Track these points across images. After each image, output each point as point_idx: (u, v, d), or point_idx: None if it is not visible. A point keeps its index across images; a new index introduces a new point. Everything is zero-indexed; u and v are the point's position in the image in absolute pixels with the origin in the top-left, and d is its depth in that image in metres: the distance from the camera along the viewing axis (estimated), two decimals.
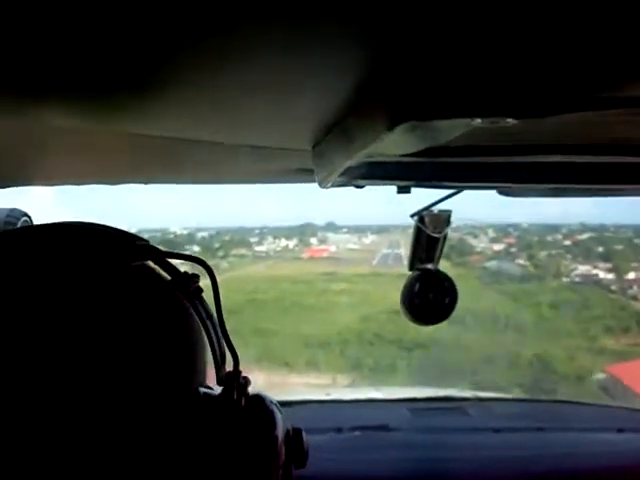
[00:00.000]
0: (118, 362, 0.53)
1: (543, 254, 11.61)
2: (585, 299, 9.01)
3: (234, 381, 0.59)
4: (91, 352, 0.52)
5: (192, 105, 0.71)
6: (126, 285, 0.58)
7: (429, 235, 1.53)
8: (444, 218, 1.53)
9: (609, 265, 9.60)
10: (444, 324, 1.62)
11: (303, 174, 1.14)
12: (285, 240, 12.80)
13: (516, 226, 12.14)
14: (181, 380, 0.58)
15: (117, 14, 0.42)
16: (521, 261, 11.80)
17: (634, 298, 8.83)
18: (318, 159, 0.85)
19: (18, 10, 0.40)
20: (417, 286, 1.57)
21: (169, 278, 0.61)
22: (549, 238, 11.80)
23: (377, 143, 0.61)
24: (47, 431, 0.50)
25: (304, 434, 0.62)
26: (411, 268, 1.60)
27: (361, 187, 1.15)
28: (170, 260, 0.62)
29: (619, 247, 10.33)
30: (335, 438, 1.86)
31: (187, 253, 0.66)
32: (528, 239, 12.24)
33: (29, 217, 1.26)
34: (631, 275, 9.22)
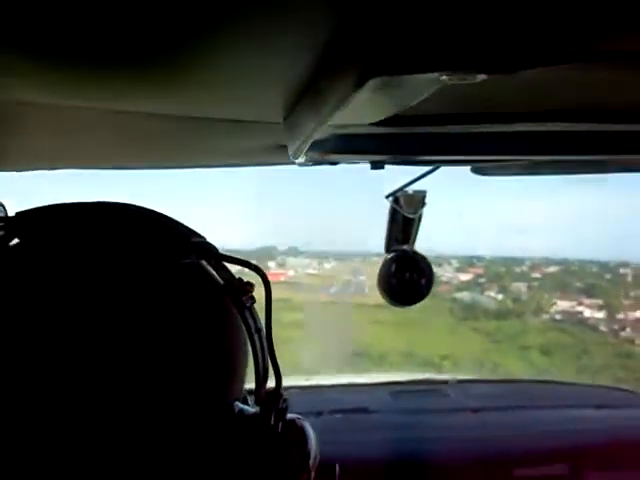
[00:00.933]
0: (153, 365, 0.50)
1: (517, 286, 11.07)
2: (579, 342, 7.98)
3: (273, 402, 0.55)
4: (125, 353, 0.49)
5: (161, 75, 0.70)
6: (173, 284, 0.54)
7: (404, 216, 1.53)
8: (419, 198, 1.53)
9: (596, 301, 8.80)
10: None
11: (277, 152, 1.14)
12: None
13: (479, 258, 12.08)
14: (216, 392, 0.54)
15: None
16: (492, 293, 11.58)
17: (631, 342, 7.71)
18: (290, 131, 0.85)
19: None
20: (393, 267, 1.57)
21: (221, 282, 0.57)
22: (517, 270, 11.71)
23: (346, 106, 0.60)
24: (70, 434, 0.47)
25: (337, 468, 0.60)
26: (388, 250, 1.60)
27: (335, 164, 1.14)
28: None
29: (600, 282, 9.63)
30: (315, 421, 1.85)
31: (245, 259, 0.60)
32: (495, 270, 12.10)
33: (2, 206, 1.24)
34: (622, 314, 8.26)
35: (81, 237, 0.53)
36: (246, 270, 0.59)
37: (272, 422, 0.54)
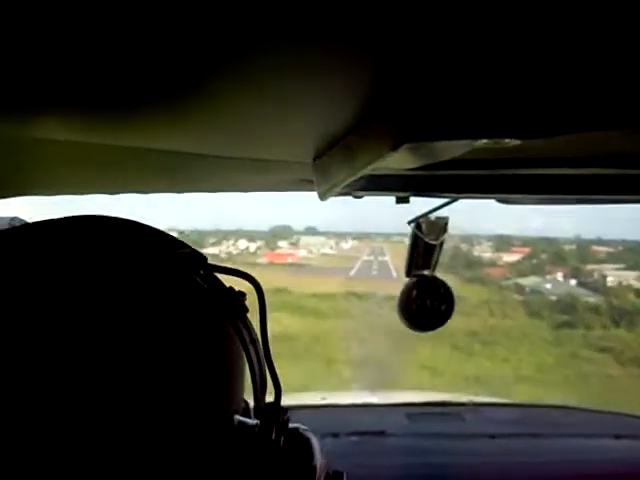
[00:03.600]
0: (147, 380, 0.48)
1: (593, 270, 9.87)
2: None
3: (274, 415, 0.53)
4: (117, 369, 0.47)
5: (193, 120, 0.71)
6: (162, 297, 0.52)
7: (426, 242, 1.54)
8: (441, 225, 1.54)
9: None
10: None
11: (303, 185, 1.15)
12: (247, 242, 12.03)
13: (508, 237, 11.26)
14: (214, 406, 0.53)
15: (117, 29, 0.41)
16: (559, 278, 10.69)
17: None
18: (319, 172, 0.86)
19: (21, 21, 0.40)
20: (414, 292, 1.58)
21: (212, 293, 0.55)
22: (566, 249, 10.62)
23: (380, 161, 0.61)
24: (68, 447, 0.46)
25: (345, 477, 0.57)
26: (408, 274, 1.61)
27: (360, 197, 1.16)
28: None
29: None
30: (332, 443, 1.86)
31: (235, 267, 0.59)
32: (543, 250, 11.07)
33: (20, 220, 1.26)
34: None
35: (68, 251, 0.51)
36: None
37: (274, 435, 0.52)
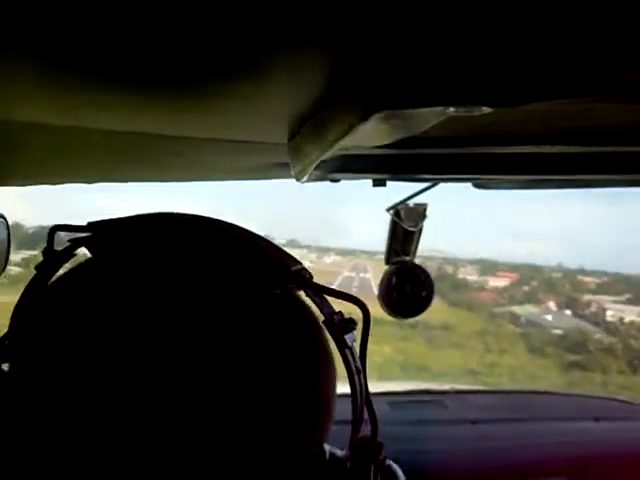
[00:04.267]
0: (244, 404, 0.45)
1: (590, 300, 9.29)
2: None
3: (370, 450, 0.51)
4: (213, 387, 0.45)
5: (166, 100, 0.71)
6: (268, 316, 0.49)
7: (405, 229, 1.54)
8: (420, 211, 1.54)
9: None
10: None
11: (279, 168, 1.14)
12: None
13: (491, 261, 10.99)
14: (308, 435, 0.50)
15: (94, 7, 0.41)
16: (552, 307, 9.91)
17: None
18: (294, 153, 0.86)
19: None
20: (394, 279, 1.58)
21: (321, 316, 0.52)
22: (554, 277, 10.39)
23: (351, 134, 0.61)
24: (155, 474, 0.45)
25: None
26: (387, 262, 1.61)
27: (337, 181, 1.15)
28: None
29: None
30: None
31: (346, 292, 0.54)
32: (530, 276, 10.96)
33: (4, 218, 1.25)
34: None
35: (172, 256, 0.49)
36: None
37: (372, 475, 0.50)
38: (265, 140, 0.92)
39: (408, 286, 1.58)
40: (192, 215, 0.54)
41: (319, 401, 0.51)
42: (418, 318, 1.60)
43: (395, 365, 7.96)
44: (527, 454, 1.82)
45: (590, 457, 1.82)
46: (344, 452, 0.52)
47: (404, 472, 1.73)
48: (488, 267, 10.97)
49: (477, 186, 1.30)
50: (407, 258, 1.60)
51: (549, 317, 9.89)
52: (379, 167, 1.00)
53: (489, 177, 1.11)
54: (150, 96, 0.68)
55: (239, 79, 0.61)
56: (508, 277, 10.93)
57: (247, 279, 0.49)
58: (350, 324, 0.52)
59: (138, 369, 0.44)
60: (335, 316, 0.52)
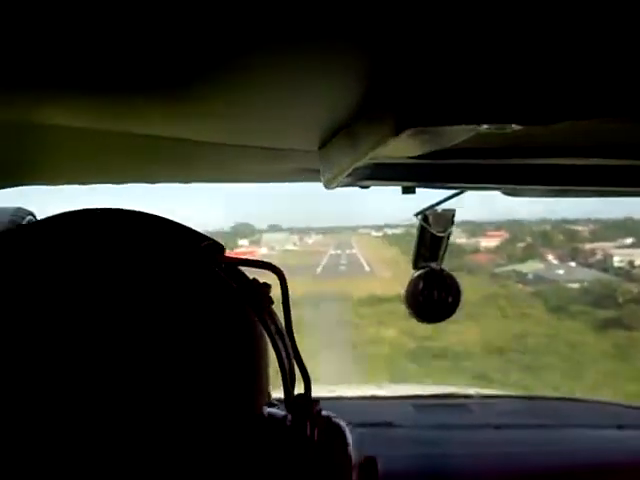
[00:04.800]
0: (172, 375, 0.47)
1: (595, 248, 8.30)
2: None
3: (306, 407, 0.53)
4: (142, 365, 0.46)
5: (198, 106, 0.71)
6: (185, 291, 0.51)
7: (433, 234, 1.55)
8: (448, 217, 1.55)
9: None
10: None
11: (309, 174, 1.16)
12: None
13: (475, 223, 10.43)
14: (243, 399, 0.52)
15: (123, 12, 0.42)
16: (554, 260, 9.15)
17: None
18: (324, 160, 0.87)
19: (21, 6, 0.40)
20: (421, 284, 1.59)
21: (235, 286, 0.54)
22: (549, 230, 9.73)
23: (383, 147, 0.62)
24: (90, 444, 0.45)
25: (378, 462, 0.57)
26: (415, 267, 1.62)
27: (366, 187, 1.17)
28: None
29: None
30: None
31: (258, 259, 0.58)
32: (523, 232, 10.03)
33: (34, 216, 1.27)
34: None
35: (86, 246, 0.50)
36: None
37: (308, 429, 0.52)
38: (296, 147, 0.94)
39: (435, 291, 1.59)
40: (117, 209, 0.55)
41: (248, 366, 0.53)
42: None
43: (406, 355, 7.22)
44: (549, 461, 1.82)
45: (613, 465, 1.81)
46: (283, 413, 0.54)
47: (427, 476, 1.73)
48: (475, 228, 10.45)
49: (506, 193, 1.30)
50: (434, 264, 1.60)
51: (560, 271, 9.13)
52: (409, 175, 1.01)
53: (519, 187, 1.12)
54: (183, 102, 0.69)
55: (273, 88, 0.62)
56: (498, 236, 10.42)
57: (164, 257, 0.51)
58: (264, 288, 0.55)
59: (68, 345, 0.46)
60: (250, 284, 0.55)
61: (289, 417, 0.53)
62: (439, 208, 1.52)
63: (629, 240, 9.15)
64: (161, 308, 0.49)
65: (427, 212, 1.53)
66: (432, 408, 2.16)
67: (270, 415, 0.53)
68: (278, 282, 0.57)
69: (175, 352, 0.48)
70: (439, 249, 1.58)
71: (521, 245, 9.83)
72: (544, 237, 9.72)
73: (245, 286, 0.55)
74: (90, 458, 0.45)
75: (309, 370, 0.57)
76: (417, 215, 1.55)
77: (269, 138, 0.90)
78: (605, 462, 1.82)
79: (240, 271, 0.56)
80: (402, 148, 0.69)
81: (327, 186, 0.96)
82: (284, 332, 0.56)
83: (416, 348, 7.52)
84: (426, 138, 0.61)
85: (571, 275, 8.64)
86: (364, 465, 0.56)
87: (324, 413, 0.54)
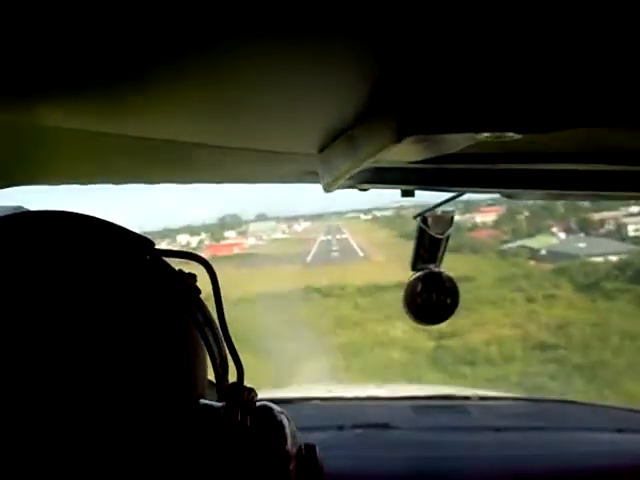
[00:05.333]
0: (103, 368, 0.48)
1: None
2: None
3: (238, 394, 0.54)
4: (72, 358, 0.47)
5: (197, 108, 0.71)
6: (115, 283, 0.52)
7: (432, 236, 1.55)
8: (447, 219, 1.55)
9: None
10: None
11: (308, 176, 1.15)
12: (189, 236, 11.36)
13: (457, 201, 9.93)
14: (177, 391, 0.53)
15: (119, 14, 0.41)
16: (562, 235, 8.23)
17: None
18: (324, 164, 0.86)
19: (18, 8, 0.40)
20: (419, 286, 1.59)
21: (160, 277, 0.55)
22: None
23: (383, 152, 0.62)
24: (39, 439, 0.46)
25: (318, 450, 0.56)
26: (414, 268, 1.62)
27: (365, 190, 1.16)
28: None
29: None
30: (337, 436, 1.87)
31: (184, 250, 0.60)
32: (520, 206, 8.96)
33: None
34: None
35: (12, 245, 0.51)
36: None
37: (239, 416, 0.52)
38: (296, 150, 0.93)
39: (434, 293, 1.59)
40: (45, 210, 0.56)
41: (179, 356, 0.54)
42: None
43: (427, 361, 6.03)
44: (549, 464, 1.81)
45: (612, 468, 1.81)
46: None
47: (424, 478, 1.73)
48: (466, 206, 9.87)
49: (504, 195, 1.30)
50: (432, 266, 1.60)
51: (581, 244, 7.91)
52: (408, 179, 1.01)
53: (517, 191, 1.12)
54: (182, 104, 0.69)
55: (274, 91, 0.62)
56: (494, 211, 9.86)
57: (89, 252, 0.52)
58: (189, 278, 0.56)
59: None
60: (175, 274, 0.56)
61: (224, 406, 0.54)
62: (438, 210, 1.52)
63: (636, 209, 8.41)
64: (84, 302, 0.49)
65: (426, 214, 1.53)
66: (430, 409, 2.16)
67: (205, 405, 0.54)
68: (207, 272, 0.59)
69: (105, 344, 0.48)
70: (438, 251, 1.58)
71: (521, 218, 9.17)
72: (545, 209, 8.94)
73: (170, 276, 0.56)
74: (25, 449, 0.46)
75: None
76: (416, 217, 1.55)
77: (269, 140, 0.89)
78: (604, 465, 1.82)
79: (167, 263, 0.57)
80: (402, 154, 0.68)
81: (326, 189, 0.95)
82: (214, 321, 0.57)
83: (436, 349, 6.36)
84: (426, 145, 0.61)
85: (594, 248, 7.56)
86: (303, 454, 0.55)
87: (260, 403, 0.55)
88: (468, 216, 10.12)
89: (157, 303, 0.54)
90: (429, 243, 1.57)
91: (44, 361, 0.46)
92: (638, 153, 0.81)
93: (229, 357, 0.58)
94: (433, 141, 0.58)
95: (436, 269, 1.61)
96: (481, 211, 10.03)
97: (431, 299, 1.59)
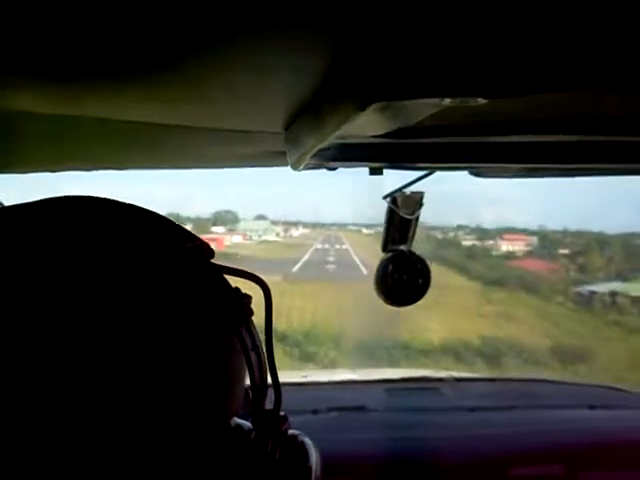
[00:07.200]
0: (141, 381, 0.46)
1: None
2: None
3: (272, 422, 0.53)
4: (112, 370, 0.45)
5: (164, 90, 0.71)
6: (163, 297, 0.49)
7: (402, 217, 1.54)
8: (416, 199, 1.54)
9: None
10: None
11: (276, 157, 1.15)
12: None
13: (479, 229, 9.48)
14: (210, 409, 0.50)
15: (91, 3, 0.41)
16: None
17: None
18: (290, 141, 0.86)
19: None
20: (390, 267, 1.59)
21: (216, 294, 0.53)
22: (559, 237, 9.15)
23: (349, 124, 0.61)
24: (66, 451, 0.44)
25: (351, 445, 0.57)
26: (384, 250, 1.62)
27: (333, 169, 1.15)
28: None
29: None
30: (311, 419, 1.87)
31: (243, 268, 0.55)
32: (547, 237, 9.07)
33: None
34: None
35: (67, 238, 0.48)
36: None
37: (269, 446, 0.51)
38: (262, 129, 0.93)
39: (405, 274, 1.59)
40: (94, 197, 0.52)
41: (220, 376, 0.52)
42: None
43: None
44: (523, 442, 1.83)
45: (585, 445, 1.83)
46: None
47: (400, 459, 1.74)
48: (487, 235, 9.50)
49: (474, 174, 1.30)
50: (403, 247, 1.60)
51: None
52: (376, 156, 1.00)
53: (486, 165, 1.12)
54: (149, 85, 0.69)
55: (237, 69, 0.61)
56: (521, 239, 9.32)
57: (144, 259, 0.49)
58: (245, 300, 0.53)
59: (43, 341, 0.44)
60: (231, 293, 0.53)
61: (254, 431, 0.52)
62: (407, 190, 1.51)
63: None
64: (132, 313, 0.47)
65: (395, 195, 1.53)
66: (405, 392, 2.17)
67: (237, 426, 0.52)
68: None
69: (144, 357, 0.46)
70: (408, 231, 1.58)
71: (594, 257, 7.84)
72: (600, 243, 7.93)
73: (227, 295, 0.53)
74: (55, 461, 0.44)
75: None
76: (385, 198, 1.55)
77: (235, 120, 0.89)
78: (577, 442, 1.84)
79: (224, 279, 0.54)
80: (368, 126, 0.68)
81: (294, 167, 0.95)
82: (261, 346, 0.54)
83: None
84: (391, 114, 0.60)
85: None
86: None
87: (291, 432, 0.54)
88: (489, 243, 9.26)
89: (205, 320, 0.51)
90: (399, 224, 1.57)
91: (75, 362, 0.44)
92: (605, 120, 0.81)
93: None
94: (397, 109, 0.58)
95: (407, 250, 1.61)
96: (504, 239, 9.28)
97: (402, 280, 1.59)
